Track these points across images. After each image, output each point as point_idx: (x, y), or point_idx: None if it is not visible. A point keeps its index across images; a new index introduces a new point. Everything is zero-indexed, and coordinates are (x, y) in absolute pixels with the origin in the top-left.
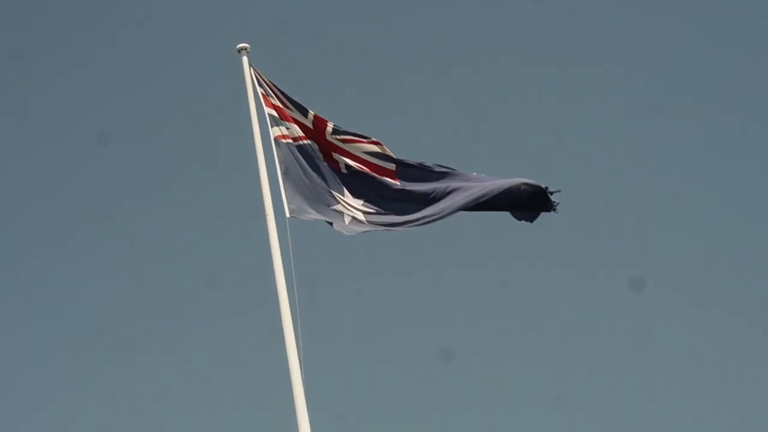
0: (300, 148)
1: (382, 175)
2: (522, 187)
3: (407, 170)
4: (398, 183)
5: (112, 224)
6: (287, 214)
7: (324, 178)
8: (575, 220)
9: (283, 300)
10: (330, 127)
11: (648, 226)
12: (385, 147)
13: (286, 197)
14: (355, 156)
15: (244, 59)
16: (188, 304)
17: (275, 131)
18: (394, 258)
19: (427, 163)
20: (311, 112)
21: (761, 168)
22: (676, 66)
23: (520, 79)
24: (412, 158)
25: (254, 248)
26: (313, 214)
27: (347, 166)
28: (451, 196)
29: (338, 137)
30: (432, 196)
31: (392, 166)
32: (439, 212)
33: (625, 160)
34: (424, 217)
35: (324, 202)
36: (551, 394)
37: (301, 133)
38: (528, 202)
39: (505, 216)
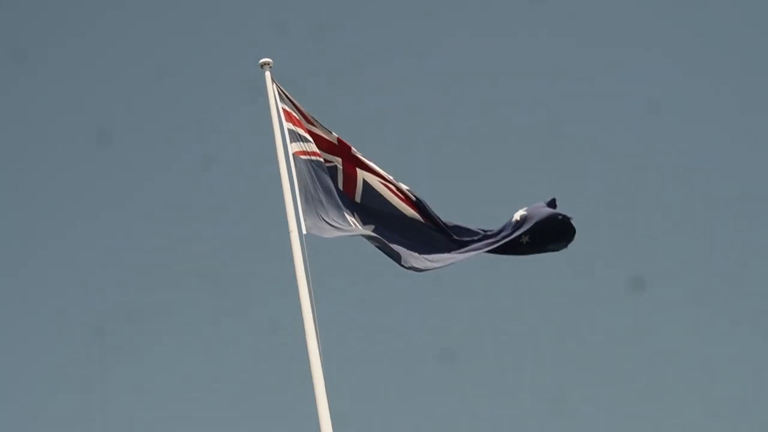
0: (318, 164)
1: (402, 201)
2: (523, 240)
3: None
4: (416, 214)
5: (113, 224)
6: (303, 230)
7: (338, 198)
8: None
9: (306, 311)
10: (354, 150)
11: (648, 226)
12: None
13: (303, 213)
14: (380, 173)
15: (267, 74)
16: (191, 304)
17: (294, 147)
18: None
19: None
20: (334, 134)
21: (761, 167)
22: (675, 66)
23: (519, 80)
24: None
25: (262, 250)
26: (327, 232)
27: (363, 194)
28: (464, 250)
29: (362, 155)
30: (445, 240)
31: (412, 198)
32: (447, 260)
33: (625, 160)
34: (429, 268)
35: (338, 220)
36: (550, 394)
37: (317, 150)
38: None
39: (504, 218)
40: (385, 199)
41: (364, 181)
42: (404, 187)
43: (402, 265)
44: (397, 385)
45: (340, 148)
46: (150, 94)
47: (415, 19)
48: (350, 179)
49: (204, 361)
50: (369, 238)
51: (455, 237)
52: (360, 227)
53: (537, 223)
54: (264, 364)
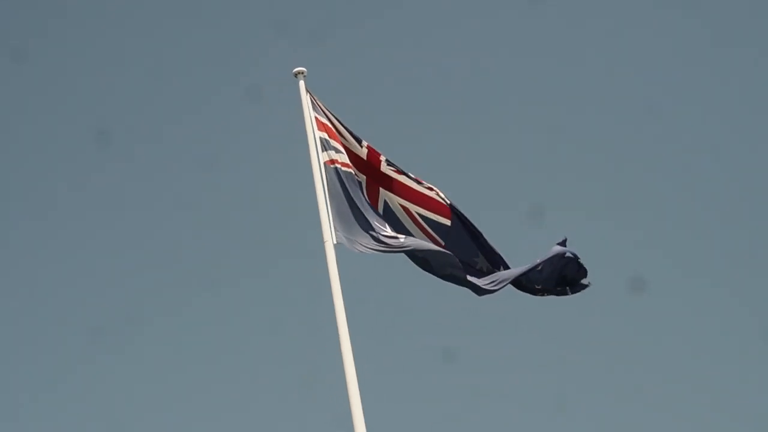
0: (348, 175)
1: (419, 229)
2: (539, 287)
3: (455, 232)
4: (432, 245)
5: (113, 224)
6: (334, 240)
7: (366, 210)
8: (575, 220)
9: (341, 319)
10: (383, 159)
11: (648, 227)
12: (438, 192)
13: (333, 223)
14: (407, 194)
15: (301, 83)
16: (191, 304)
17: (325, 156)
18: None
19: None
20: (365, 142)
21: (761, 168)
22: (674, 66)
23: (518, 80)
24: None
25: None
26: (356, 245)
27: (385, 205)
28: (490, 276)
29: (392, 168)
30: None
31: (442, 222)
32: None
33: (625, 160)
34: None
35: (367, 231)
36: (551, 394)
37: (348, 161)
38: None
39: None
40: (401, 224)
41: (385, 203)
42: (443, 199)
43: (470, 282)
44: (398, 383)
45: (366, 164)
46: (150, 94)
47: (416, 21)
48: (373, 198)
49: (204, 361)
50: (425, 252)
51: (478, 265)
52: (391, 235)
53: (548, 267)
54: (264, 364)
